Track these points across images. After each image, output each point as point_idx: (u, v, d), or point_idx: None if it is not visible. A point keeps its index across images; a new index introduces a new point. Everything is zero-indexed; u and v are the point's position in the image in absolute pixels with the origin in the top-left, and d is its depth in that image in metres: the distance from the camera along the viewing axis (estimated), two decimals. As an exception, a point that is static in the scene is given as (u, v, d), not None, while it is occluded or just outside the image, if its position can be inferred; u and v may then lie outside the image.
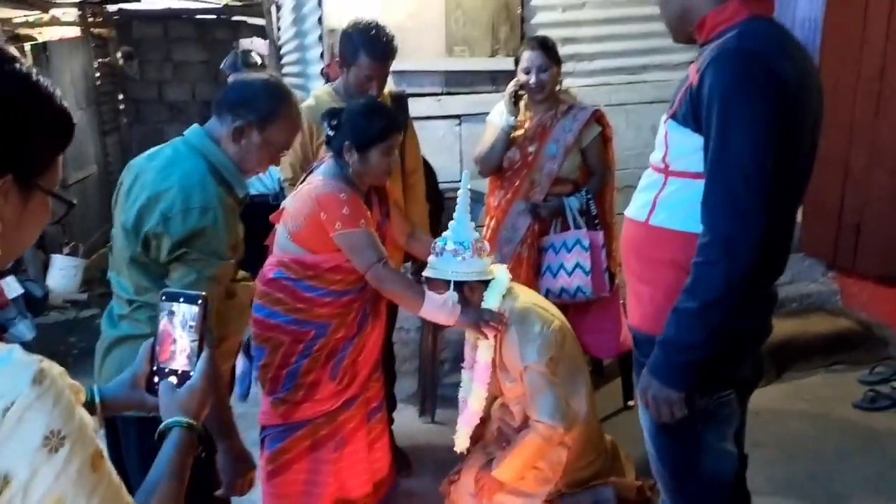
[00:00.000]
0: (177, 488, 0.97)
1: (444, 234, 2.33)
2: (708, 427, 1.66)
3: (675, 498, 1.78)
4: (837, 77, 3.83)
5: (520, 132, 3.02)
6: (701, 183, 1.50)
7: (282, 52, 6.10)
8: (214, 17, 8.90)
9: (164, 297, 1.13)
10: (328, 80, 3.63)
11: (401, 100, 2.87)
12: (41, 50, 6.24)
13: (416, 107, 3.10)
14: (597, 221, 3.00)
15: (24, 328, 4.60)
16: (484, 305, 2.30)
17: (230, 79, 3.26)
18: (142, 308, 1.76)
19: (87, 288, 5.77)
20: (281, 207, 2.42)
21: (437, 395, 3.50)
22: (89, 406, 1.08)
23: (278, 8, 6.15)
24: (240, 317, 1.94)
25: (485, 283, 2.31)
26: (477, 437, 2.53)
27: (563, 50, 3.16)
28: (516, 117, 2.98)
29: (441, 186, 3.27)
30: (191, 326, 1.11)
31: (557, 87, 3.01)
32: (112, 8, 8.16)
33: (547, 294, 2.87)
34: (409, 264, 2.97)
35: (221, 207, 1.70)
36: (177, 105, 9.47)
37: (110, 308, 1.86)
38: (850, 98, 3.89)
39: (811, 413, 3.36)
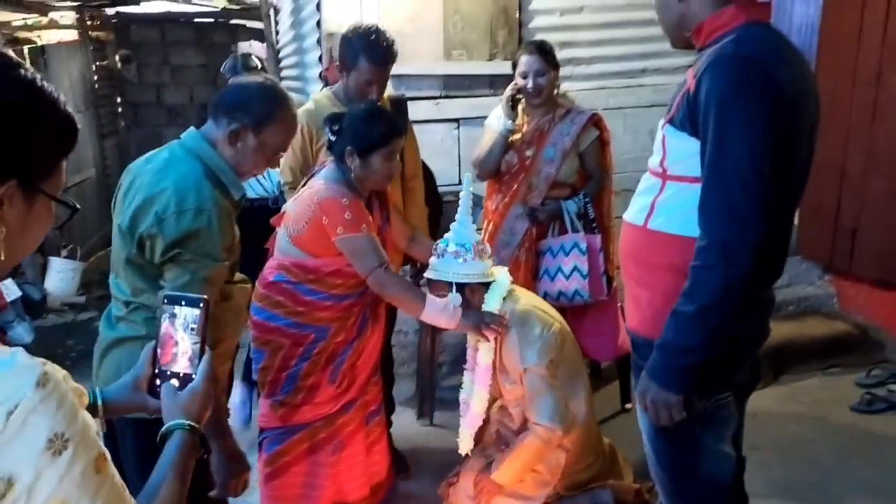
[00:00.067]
0: (179, 490, 0.97)
1: (446, 235, 2.33)
2: (706, 430, 1.67)
3: (674, 500, 1.79)
4: (834, 82, 3.84)
5: (517, 136, 3.02)
6: (698, 187, 1.51)
7: (280, 55, 6.11)
8: (212, 20, 8.91)
9: (165, 300, 1.13)
10: (327, 83, 3.63)
11: (400, 104, 2.88)
12: (39, 53, 6.25)
13: (414, 110, 3.11)
14: (594, 225, 3.00)
15: (23, 331, 4.61)
16: (484, 307, 2.31)
17: (230, 82, 3.26)
18: (138, 310, 1.77)
19: (85, 291, 5.77)
20: (282, 211, 2.42)
21: (436, 397, 3.50)
22: (91, 408, 1.08)
23: (276, 11, 6.15)
24: (236, 319, 1.94)
25: (486, 286, 2.32)
26: (476, 440, 2.53)
27: (560, 54, 3.17)
28: (514, 121, 2.99)
29: (440, 190, 3.28)
30: (192, 329, 1.12)
31: (555, 91, 3.02)
32: (110, 11, 8.17)
33: (545, 297, 2.87)
34: (407, 267, 2.97)
35: (216, 209, 1.71)
36: (175, 108, 9.47)
37: (109, 310, 1.87)
38: (846, 103, 3.90)
39: (808, 416, 3.37)
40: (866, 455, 3.03)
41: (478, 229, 2.46)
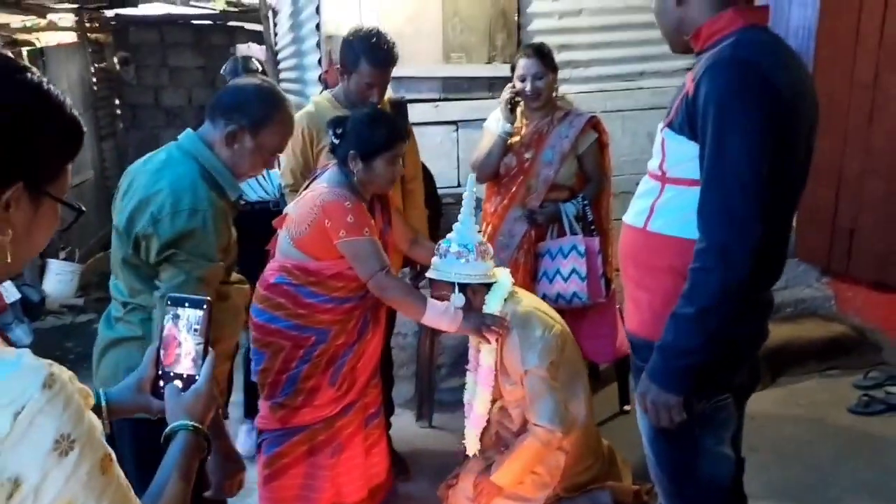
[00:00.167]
0: (184, 490, 0.98)
1: (449, 235, 2.34)
2: (705, 431, 1.67)
3: (674, 502, 1.79)
4: (831, 85, 3.85)
5: (516, 139, 3.03)
6: (697, 190, 1.52)
7: (279, 57, 6.11)
8: (210, 22, 8.91)
9: (169, 302, 1.14)
10: (326, 86, 3.64)
11: (400, 106, 2.88)
12: (38, 55, 6.25)
13: (413, 113, 3.11)
14: (593, 227, 3.01)
15: (21, 333, 4.60)
16: (486, 309, 2.31)
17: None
18: (135, 310, 1.79)
19: (83, 293, 5.77)
20: (284, 213, 2.42)
21: (435, 399, 3.51)
22: (95, 410, 1.08)
23: (275, 14, 6.16)
24: (234, 319, 1.95)
25: (487, 286, 2.32)
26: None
27: (559, 57, 3.18)
28: (513, 124, 3.00)
29: (438, 192, 3.28)
30: (195, 330, 1.12)
31: (554, 94, 3.03)
32: (109, 13, 8.16)
33: (543, 300, 2.87)
34: (407, 269, 2.98)
35: (211, 210, 1.72)
36: (173, 110, 9.48)
37: (108, 311, 1.89)
38: (843, 105, 3.92)
39: (806, 418, 3.38)
40: (864, 457, 3.04)
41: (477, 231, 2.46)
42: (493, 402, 2.50)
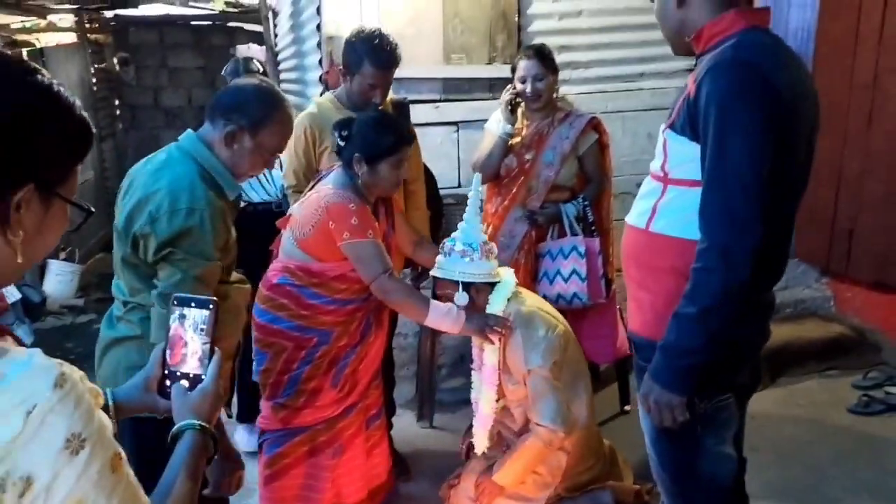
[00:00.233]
0: (192, 489, 0.98)
1: (454, 234, 2.34)
2: (707, 431, 1.68)
3: (676, 501, 1.80)
4: (830, 86, 3.86)
5: (517, 140, 3.04)
6: (699, 191, 1.53)
7: (279, 58, 6.12)
8: (210, 23, 8.92)
9: (175, 302, 1.15)
10: (327, 87, 3.64)
11: (402, 107, 2.89)
12: (38, 56, 6.25)
13: (414, 113, 3.12)
14: (593, 228, 3.02)
15: (22, 333, 4.60)
16: (489, 308, 2.31)
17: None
18: (135, 309, 1.81)
19: (83, 293, 5.78)
20: (288, 213, 2.43)
21: (435, 400, 3.51)
22: (104, 409, 1.09)
23: (275, 14, 6.17)
24: (235, 319, 1.96)
25: (491, 286, 2.33)
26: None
27: (559, 58, 3.18)
28: (513, 125, 3.00)
29: (440, 193, 3.29)
30: (202, 330, 1.13)
31: (554, 95, 3.03)
32: (109, 14, 8.17)
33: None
34: (407, 270, 2.98)
35: (209, 209, 1.73)
36: (172, 111, 9.49)
37: (110, 310, 1.91)
38: (843, 106, 3.93)
39: (806, 418, 3.38)
40: (864, 457, 3.04)
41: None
42: (497, 400, 2.50)
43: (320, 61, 4.06)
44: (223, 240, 1.80)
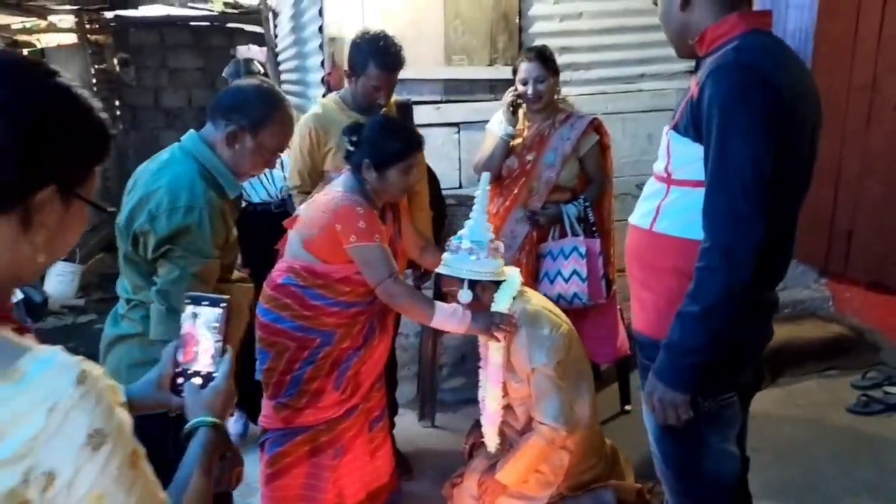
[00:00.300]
0: (206, 485, 1.00)
1: (460, 232, 2.34)
2: (711, 429, 1.69)
3: (680, 500, 1.81)
4: (829, 87, 3.87)
5: (518, 141, 3.05)
6: (702, 191, 1.54)
7: (279, 59, 6.13)
8: (210, 24, 8.93)
9: (187, 301, 1.16)
10: (329, 88, 3.66)
11: (406, 109, 2.90)
12: (38, 56, 6.26)
13: (415, 115, 3.13)
14: (594, 229, 3.03)
15: (24, 334, 4.59)
16: (494, 306, 2.31)
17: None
18: (137, 307, 1.84)
19: (84, 293, 5.78)
20: (295, 214, 2.43)
21: (437, 399, 3.53)
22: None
23: (275, 15, 6.18)
24: (237, 317, 1.97)
25: (496, 284, 2.33)
26: (480, 441, 2.55)
27: (560, 59, 3.19)
28: (515, 126, 3.02)
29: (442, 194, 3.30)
30: (214, 328, 1.14)
31: (555, 97, 3.05)
32: (109, 15, 8.17)
33: (544, 300, 2.90)
34: (409, 271, 2.99)
35: (208, 208, 1.75)
36: (173, 111, 9.49)
37: (115, 308, 1.94)
38: (842, 107, 3.94)
39: (805, 418, 3.40)
40: (863, 457, 3.06)
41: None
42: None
43: (322, 63, 4.07)
44: (222, 238, 1.82)
